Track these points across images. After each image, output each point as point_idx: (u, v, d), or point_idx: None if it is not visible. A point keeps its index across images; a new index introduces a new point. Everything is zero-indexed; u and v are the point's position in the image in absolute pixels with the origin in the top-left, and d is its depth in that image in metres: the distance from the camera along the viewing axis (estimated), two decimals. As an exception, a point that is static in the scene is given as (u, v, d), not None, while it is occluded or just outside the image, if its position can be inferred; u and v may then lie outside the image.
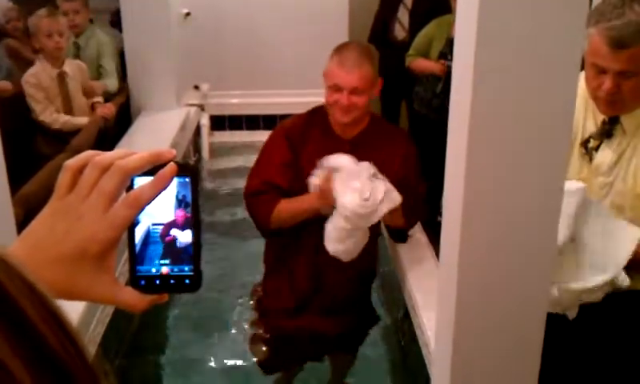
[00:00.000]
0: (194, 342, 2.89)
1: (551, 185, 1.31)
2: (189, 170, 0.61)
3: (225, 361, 2.76)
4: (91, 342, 2.19)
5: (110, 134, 3.65)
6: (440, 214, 3.85)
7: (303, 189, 2.33)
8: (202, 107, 4.34)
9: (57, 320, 0.36)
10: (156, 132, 3.71)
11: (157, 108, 4.01)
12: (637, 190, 1.67)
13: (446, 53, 3.54)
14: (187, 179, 0.61)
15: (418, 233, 2.80)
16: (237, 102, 4.46)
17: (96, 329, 2.27)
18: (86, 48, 4.01)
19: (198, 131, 4.31)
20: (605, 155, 1.73)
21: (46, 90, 3.43)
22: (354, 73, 2.30)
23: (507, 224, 1.32)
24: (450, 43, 3.56)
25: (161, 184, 0.59)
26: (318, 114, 2.46)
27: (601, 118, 1.74)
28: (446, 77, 3.61)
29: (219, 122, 4.44)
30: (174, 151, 0.61)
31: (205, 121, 4.32)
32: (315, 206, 2.28)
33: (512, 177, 1.29)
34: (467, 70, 1.25)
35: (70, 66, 3.57)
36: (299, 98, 3.84)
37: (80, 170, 0.59)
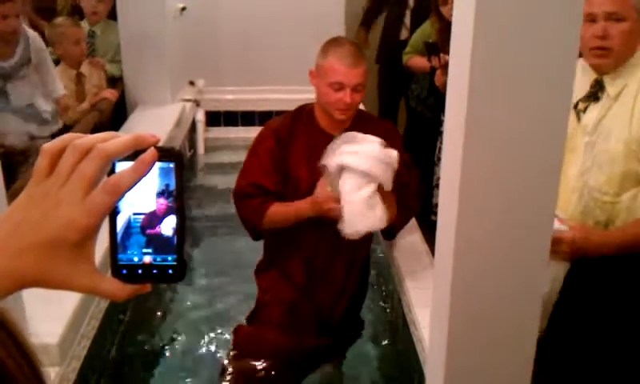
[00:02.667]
0: (185, 338, 2.87)
1: (547, 185, 1.30)
2: (173, 155, 0.58)
3: (213, 358, 2.75)
4: (84, 338, 2.18)
5: (104, 129, 3.64)
6: (433, 212, 3.87)
7: (291, 188, 2.31)
8: (197, 103, 4.33)
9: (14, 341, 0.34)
10: (151, 127, 3.68)
11: (152, 103, 4.00)
12: (611, 149, 1.85)
13: (429, 54, 3.53)
14: (171, 165, 0.59)
15: (412, 230, 2.79)
16: (232, 98, 4.44)
17: (90, 323, 2.26)
18: (102, 36, 4.12)
19: (193, 127, 4.29)
20: (590, 117, 1.91)
21: (66, 88, 3.66)
22: (357, 68, 2.27)
23: (502, 222, 1.31)
24: (427, 47, 3.55)
25: (142, 169, 0.56)
26: (303, 112, 2.44)
27: (589, 82, 1.92)
28: (431, 75, 3.60)
29: (214, 118, 4.42)
30: (157, 136, 0.58)
31: (200, 116, 4.30)
32: (306, 213, 2.26)
33: (508, 177, 1.28)
34: (464, 66, 1.24)
35: (87, 67, 3.82)
36: (295, 95, 3.82)
37: (59, 154, 0.57)
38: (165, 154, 0.58)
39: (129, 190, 0.57)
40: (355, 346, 2.67)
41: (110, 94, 3.86)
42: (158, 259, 0.60)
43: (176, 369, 2.71)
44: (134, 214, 0.60)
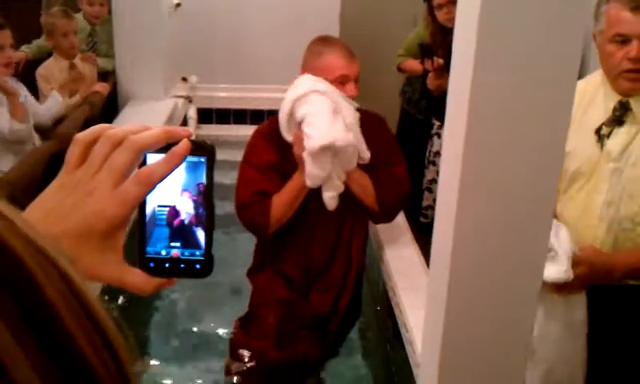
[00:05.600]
0: (176, 335, 2.87)
1: (544, 193, 1.32)
2: (205, 149, 0.58)
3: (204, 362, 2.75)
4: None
5: (95, 122, 3.61)
6: (423, 215, 3.87)
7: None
8: (189, 99, 4.31)
9: (88, 311, 0.31)
10: (143, 122, 3.63)
11: (144, 98, 3.98)
12: None
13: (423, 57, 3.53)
14: (202, 159, 0.58)
15: (403, 230, 2.81)
16: (225, 95, 4.43)
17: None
18: (102, 32, 4.14)
19: (185, 123, 4.27)
20: (616, 142, 1.77)
21: (57, 81, 3.64)
22: (355, 61, 2.31)
23: (499, 230, 1.32)
24: (421, 49, 3.55)
25: (174, 161, 0.56)
26: None
27: (612, 105, 1.78)
28: (423, 77, 3.59)
29: (206, 115, 4.41)
30: (189, 129, 0.59)
31: (192, 113, 4.29)
32: (299, 182, 2.22)
33: (507, 178, 1.30)
34: (466, 72, 1.26)
35: (79, 61, 3.78)
36: (288, 94, 3.83)
37: (91, 144, 0.57)
38: (197, 147, 0.58)
39: (160, 181, 0.57)
40: (343, 346, 2.68)
41: (102, 88, 3.84)
42: (186, 253, 0.60)
43: (169, 362, 2.71)
44: (159, 206, 0.60)
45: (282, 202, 2.29)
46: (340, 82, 2.27)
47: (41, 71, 3.65)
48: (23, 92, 3.23)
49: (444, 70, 3.22)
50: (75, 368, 0.28)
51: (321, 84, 2.20)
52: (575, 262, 1.71)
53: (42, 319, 0.28)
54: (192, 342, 2.84)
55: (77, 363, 0.28)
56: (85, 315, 0.30)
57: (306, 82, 2.21)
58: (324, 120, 2.14)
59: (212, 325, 2.93)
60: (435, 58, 3.29)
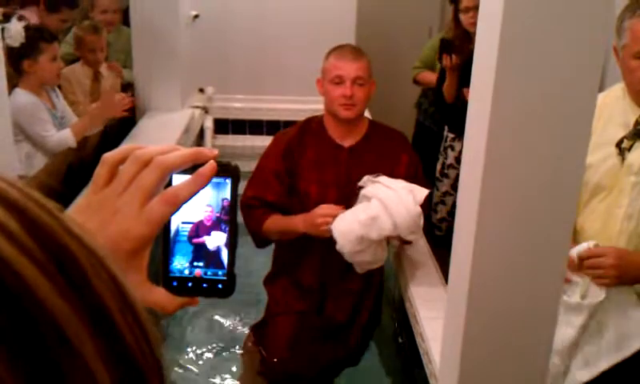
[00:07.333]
0: (191, 343, 2.87)
1: (564, 208, 1.32)
2: (230, 170, 0.59)
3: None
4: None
5: (113, 134, 3.65)
6: (436, 227, 3.82)
7: (301, 199, 2.33)
8: (206, 110, 4.34)
9: (134, 314, 0.34)
10: (160, 133, 3.70)
11: (161, 109, 4.01)
12: None
13: (442, 52, 3.44)
14: (227, 180, 0.59)
15: (419, 242, 2.80)
16: (241, 106, 4.46)
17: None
18: (115, 44, 4.17)
19: (201, 134, 4.30)
20: (637, 155, 1.76)
21: (81, 86, 3.69)
22: (354, 62, 2.33)
23: (519, 245, 1.32)
24: (442, 43, 3.47)
25: (200, 182, 0.57)
26: (312, 124, 2.46)
27: (633, 118, 1.77)
28: (437, 87, 3.54)
29: (223, 126, 4.44)
30: (215, 151, 0.59)
31: (209, 124, 4.31)
32: (300, 230, 2.29)
33: (526, 198, 1.30)
34: (488, 81, 1.26)
35: (105, 69, 3.83)
36: (303, 105, 3.84)
37: (118, 164, 0.58)
38: (222, 168, 0.59)
39: (186, 201, 0.57)
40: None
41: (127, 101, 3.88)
42: (209, 273, 0.61)
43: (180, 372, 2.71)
44: (183, 222, 0.60)
45: (275, 227, 2.38)
46: (335, 82, 2.30)
47: (66, 72, 3.64)
48: (61, 105, 3.24)
49: (458, 70, 3.21)
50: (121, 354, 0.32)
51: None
52: (600, 253, 1.71)
53: (97, 314, 0.32)
54: (205, 349, 2.84)
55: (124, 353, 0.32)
56: (128, 310, 0.34)
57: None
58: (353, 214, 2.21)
59: (225, 332, 2.93)
60: (454, 56, 3.22)
